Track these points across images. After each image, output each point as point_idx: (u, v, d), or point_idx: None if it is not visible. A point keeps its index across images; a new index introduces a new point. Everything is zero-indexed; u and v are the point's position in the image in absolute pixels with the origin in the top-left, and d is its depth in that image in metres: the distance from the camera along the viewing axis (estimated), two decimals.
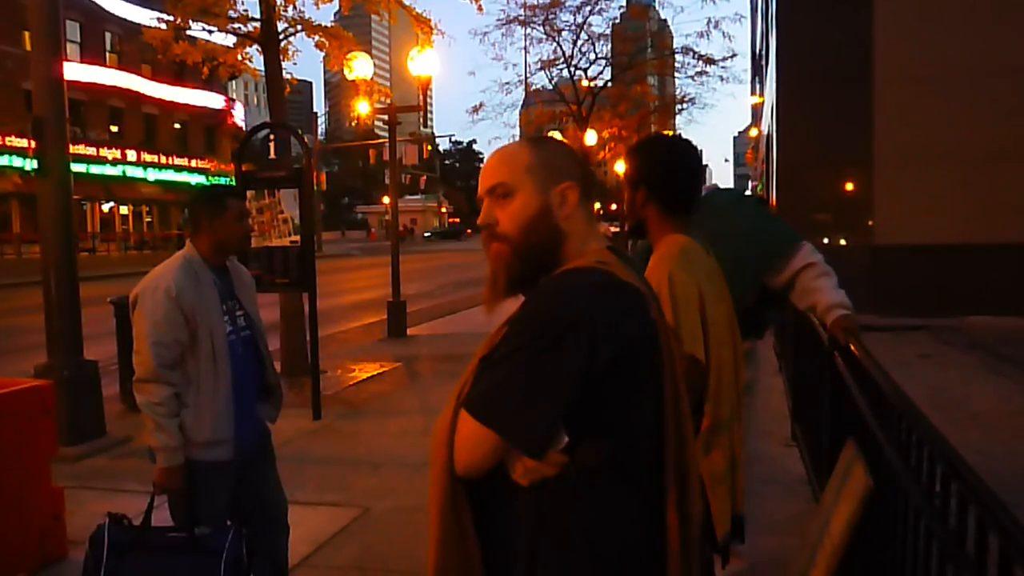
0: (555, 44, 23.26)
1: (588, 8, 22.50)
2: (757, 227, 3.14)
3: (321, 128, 79.62)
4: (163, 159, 40.01)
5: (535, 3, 22.50)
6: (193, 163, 42.02)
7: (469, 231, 74.89)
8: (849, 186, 12.66)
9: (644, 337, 1.31)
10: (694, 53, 23.16)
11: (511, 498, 1.32)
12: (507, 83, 38.81)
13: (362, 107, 15.56)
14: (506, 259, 1.41)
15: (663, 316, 1.38)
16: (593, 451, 1.29)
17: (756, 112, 41.41)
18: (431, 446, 1.35)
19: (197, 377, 2.79)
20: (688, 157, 2.39)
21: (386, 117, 11.85)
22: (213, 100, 42.93)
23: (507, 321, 1.33)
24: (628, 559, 1.31)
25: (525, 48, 28.24)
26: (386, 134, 12.32)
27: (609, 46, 25.40)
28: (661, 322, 1.35)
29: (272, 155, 7.46)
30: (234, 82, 49.02)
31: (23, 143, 29.13)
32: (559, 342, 1.25)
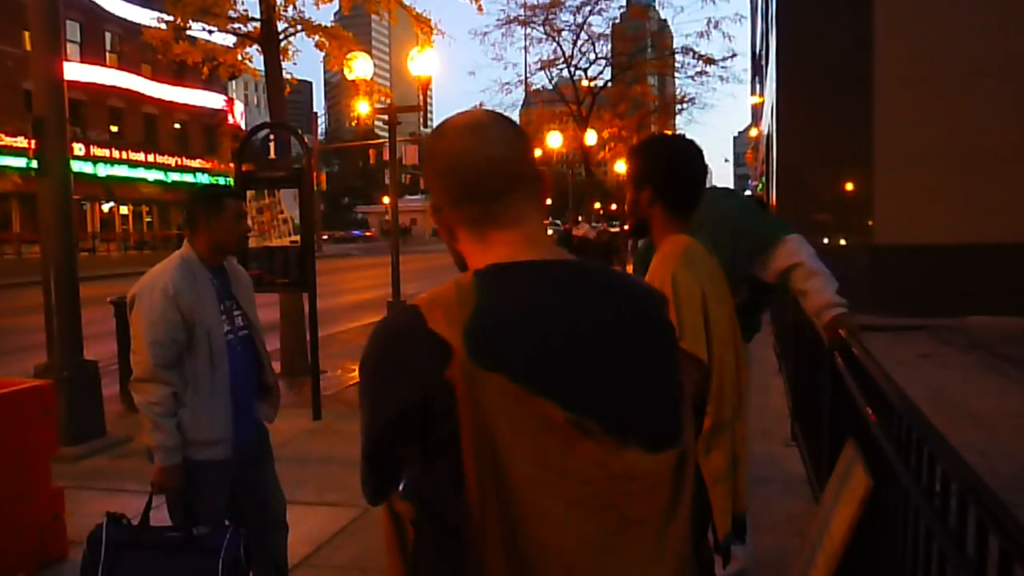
0: (555, 44, 23.32)
1: (588, 8, 22.55)
2: (739, 222, 3.08)
3: (321, 128, 79.71)
4: (163, 159, 40.02)
5: (535, 3, 22.55)
6: (193, 163, 42.03)
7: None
8: (849, 186, 12.65)
9: (428, 401, 1.05)
10: (694, 53, 23.20)
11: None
12: (507, 83, 38.95)
13: (362, 107, 15.53)
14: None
15: (485, 374, 1.03)
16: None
17: (756, 112, 41.44)
18: None
19: (195, 377, 2.79)
20: (694, 157, 2.39)
21: (386, 117, 11.85)
22: (213, 100, 42.96)
23: None
24: None
25: (525, 48, 28.23)
26: (386, 134, 12.31)
27: (609, 46, 25.43)
28: (468, 383, 1.03)
29: (272, 155, 7.46)
30: (234, 82, 49.04)
31: (23, 143, 29.13)
32: (362, 391, 1.16)
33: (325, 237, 54.91)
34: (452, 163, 1.18)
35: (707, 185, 2.52)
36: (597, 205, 47.50)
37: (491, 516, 1.04)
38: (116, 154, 36.93)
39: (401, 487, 1.18)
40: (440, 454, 1.07)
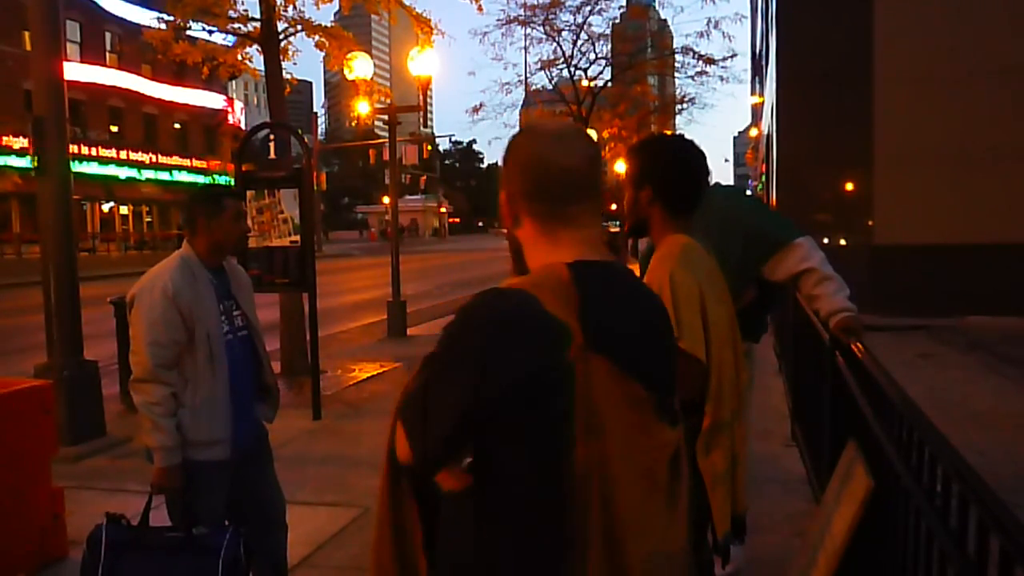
0: (555, 44, 23.22)
1: (588, 8, 22.47)
2: (749, 224, 3.07)
3: (321, 128, 79.70)
4: (163, 159, 40.01)
5: (535, 3, 22.47)
6: (193, 163, 42.03)
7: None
8: (849, 186, 12.66)
9: (546, 382, 1.19)
10: (694, 53, 23.10)
11: (442, 495, 1.34)
12: (507, 83, 38.79)
13: (362, 107, 15.54)
14: (511, 256, 1.45)
15: (596, 357, 1.20)
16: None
17: (756, 112, 41.42)
18: (387, 430, 1.38)
19: (194, 377, 2.79)
20: (695, 158, 2.39)
21: (386, 117, 11.86)
22: (213, 100, 42.95)
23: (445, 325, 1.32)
24: None
25: (525, 48, 28.16)
26: (386, 134, 12.32)
27: (609, 46, 25.38)
28: (585, 365, 1.19)
29: (272, 155, 7.47)
30: (234, 82, 48.97)
31: (23, 143, 29.12)
32: (455, 366, 1.23)
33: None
34: (538, 163, 1.33)
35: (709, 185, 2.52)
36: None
37: (595, 484, 1.20)
38: (116, 154, 36.92)
39: (466, 462, 1.27)
40: (546, 425, 1.20)
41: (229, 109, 44.58)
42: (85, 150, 33.96)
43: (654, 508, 1.27)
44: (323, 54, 10.19)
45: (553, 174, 1.31)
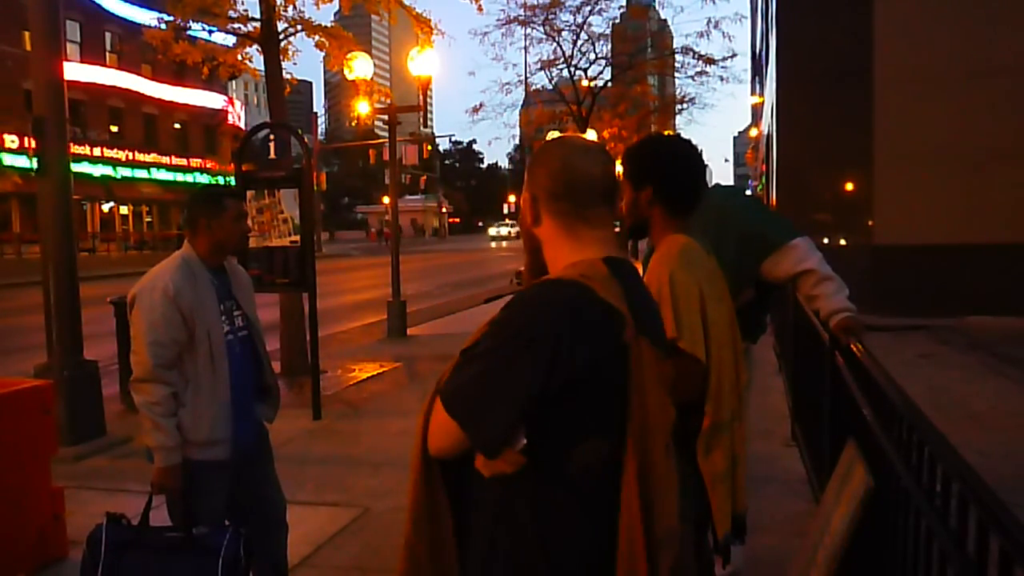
0: (555, 44, 23.24)
1: (588, 8, 22.48)
2: (744, 224, 3.05)
3: (321, 128, 79.63)
4: (163, 159, 40.01)
5: (535, 3, 22.48)
6: (193, 163, 42.03)
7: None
8: (849, 186, 12.65)
9: (608, 362, 1.34)
10: (694, 53, 23.13)
11: (480, 483, 1.41)
12: (507, 83, 38.79)
13: (362, 107, 15.54)
14: (526, 254, 1.59)
15: (642, 338, 1.36)
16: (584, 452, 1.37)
17: (756, 112, 41.41)
18: (416, 426, 1.46)
19: (195, 377, 2.79)
20: (693, 157, 2.40)
21: (386, 117, 11.85)
22: (213, 100, 42.93)
23: (490, 320, 1.41)
24: (577, 564, 1.36)
25: (525, 48, 28.20)
26: (386, 134, 12.31)
27: (609, 46, 25.38)
28: (637, 346, 1.35)
29: (272, 155, 7.46)
30: (234, 82, 48.98)
31: (23, 143, 29.12)
32: (521, 354, 1.32)
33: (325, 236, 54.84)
34: (568, 169, 1.48)
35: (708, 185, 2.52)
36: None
37: (643, 454, 1.35)
38: (116, 154, 36.92)
39: (519, 445, 1.35)
40: (604, 403, 1.34)
41: (230, 108, 44.56)
42: (85, 150, 33.96)
43: (670, 480, 1.43)
44: (323, 54, 10.19)
45: (580, 179, 1.47)
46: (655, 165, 2.37)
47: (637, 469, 1.34)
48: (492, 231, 72.41)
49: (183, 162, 41.48)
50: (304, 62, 11.20)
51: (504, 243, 57.19)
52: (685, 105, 27.46)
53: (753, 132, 48.11)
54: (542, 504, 1.36)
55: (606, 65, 24.46)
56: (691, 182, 2.37)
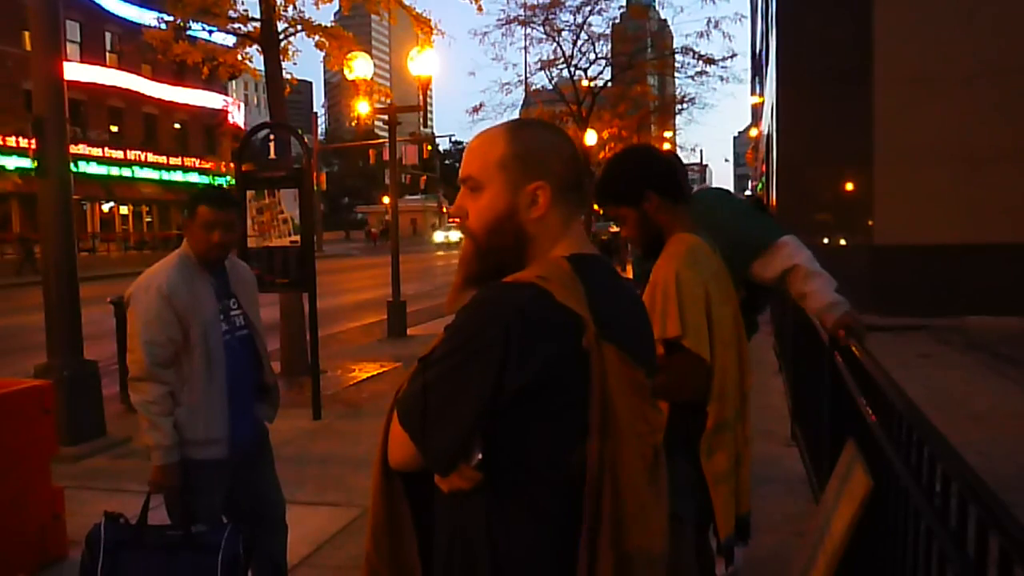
0: (555, 44, 23.26)
1: (588, 8, 22.50)
2: (733, 230, 3.01)
3: (321, 128, 79.63)
4: (163, 159, 40.01)
5: (535, 3, 22.50)
6: (193, 163, 42.02)
7: None
8: (849, 186, 12.65)
9: (565, 370, 1.22)
10: (694, 53, 23.15)
11: (441, 500, 1.33)
12: (507, 83, 38.77)
13: (362, 107, 15.55)
14: (467, 256, 1.38)
15: (606, 344, 1.23)
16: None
17: (756, 112, 41.39)
18: (378, 437, 1.36)
19: (191, 376, 2.79)
20: (658, 151, 2.54)
21: (386, 117, 11.85)
22: (213, 100, 42.93)
23: (446, 325, 1.30)
24: None
25: (525, 48, 28.16)
26: (386, 134, 12.31)
27: (609, 46, 25.39)
28: (598, 352, 1.22)
29: (272, 155, 7.46)
30: (234, 82, 48.96)
31: (23, 143, 29.12)
32: (470, 363, 1.22)
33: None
34: (577, 157, 1.39)
35: (702, 185, 2.54)
36: (596, 206, 47.32)
37: (607, 467, 1.23)
38: (116, 154, 36.91)
39: (475, 460, 1.26)
40: (563, 414, 1.24)
41: (231, 108, 44.54)
42: (85, 150, 33.95)
43: (650, 494, 1.30)
44: (323, 54, 10.20)
45: (578, 167, 1.38)
46: (648, 169, 2.36)
47: (601, 484, 1.22)
48: (438, 236, 59.38)
49: (183, 162, 41.47)
50: (304, 62, 11.20)
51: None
52: (685, 105, 27.51)
53: (753, 132, 48.09)
54: (498, 524, 1.26)
55: (606, 65, 24.47)
56: (679, 170, 2.42)
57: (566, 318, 1.22)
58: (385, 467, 1.34)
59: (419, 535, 1.36)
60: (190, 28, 9.89)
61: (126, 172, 37.58)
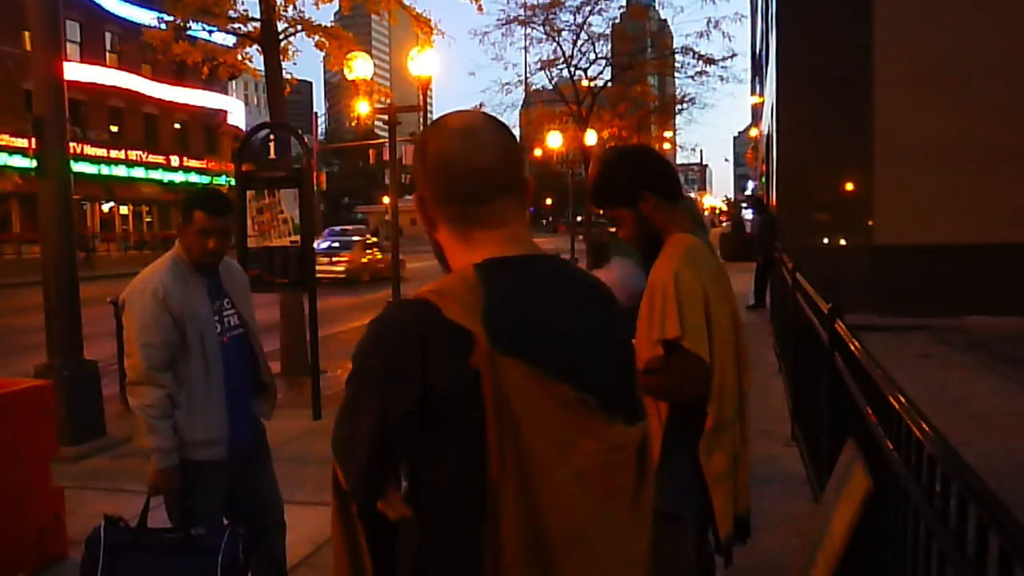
0: (555, 44, 23.27)
1: (588, 8, 22.51)
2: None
3: (321, 128, 79.63)
4: (163, 159, 40.01)
5: (535, 3, 22.51)
6: (193, 163, 42.02)
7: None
8: (849, 186, 12.64)
9: (459, 390, 1.11)
10: (694, 53, 23.18)
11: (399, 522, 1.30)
12: (507, 83, 38.82)
13: (362, 107, 15.54)
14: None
15: (506, 359, 1.11)
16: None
17: (756, 112, 41.39)
18: (333, 459, 1.33)
19: (189, 378, 2.78)
20: (652, 151, 2.58)
21: (386, 117, 11.84)
22: (213, 100, 42.92)
23: None
24: None
25: (525, 48, 28.20)
26: (386, 134, 12.31)
27: (609, 46, 25.40)
28: (492, 369, 1.10)
29: (272, 155, 7.46)
30: (234, 82, 48.94)
31: (23, 143, 29.11)
32: (363, 390, 1.18)
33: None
34: (444, 165, 1.23)
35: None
36: (594, 207, 47.24)
37: (511, 491, 1.11)
38: (116, 154, 36.91)
39: (402, 487, 1.22)
40: (463, 438, 1.13)
41: (229, 109, 44.53)
42: (85, 150, 33.95)
43: (615, 510, 1.19)
44: (323, 54, 10.20)
45: (465, 175, 1.22)
46: (642, 169, 2.36)
47: (499, 514, 1.11)
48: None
49: (183, 162, 41.46)
50: (304, 62, 11.20)
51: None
52: (685, 105, 27.51)
53: (753, 132, 48.09)
54: (428, 554, 1.20)
55: (606, 65, 24.48)
56: (670, 167, 2.44)
57: (451, 335, 1.11)
58: (338, 490, 1.30)
59: (374, 556, 1.32)
60: (190, 28, 9.89)
61: (126, 172, 37.57)
